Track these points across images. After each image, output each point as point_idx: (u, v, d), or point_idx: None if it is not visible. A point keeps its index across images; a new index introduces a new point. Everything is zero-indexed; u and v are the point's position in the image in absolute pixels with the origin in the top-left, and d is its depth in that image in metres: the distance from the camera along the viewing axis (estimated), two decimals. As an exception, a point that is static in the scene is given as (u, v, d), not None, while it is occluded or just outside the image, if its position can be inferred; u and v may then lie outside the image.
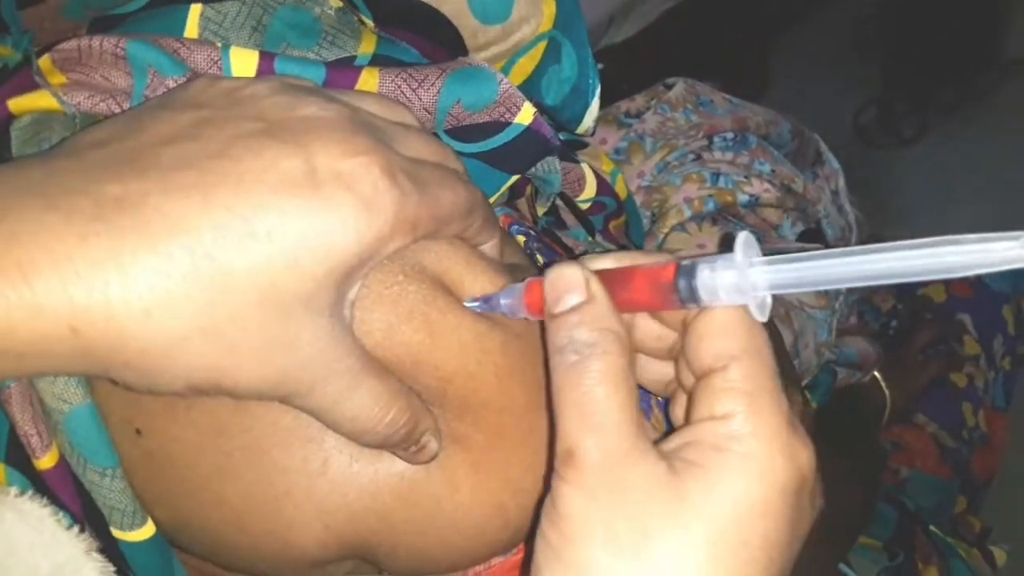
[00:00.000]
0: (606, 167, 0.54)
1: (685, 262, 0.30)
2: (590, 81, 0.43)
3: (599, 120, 0.68)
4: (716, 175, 0.60)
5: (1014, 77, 1.50)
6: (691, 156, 0.62)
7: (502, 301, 0.34)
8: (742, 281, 0.28)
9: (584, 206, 0.53)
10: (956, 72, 1.52)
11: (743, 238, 0.28)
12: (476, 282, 0.36)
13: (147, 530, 0.35)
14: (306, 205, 0.28)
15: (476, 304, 0.35)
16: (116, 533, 0.35)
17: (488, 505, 0.36)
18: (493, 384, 0.35)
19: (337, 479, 0.34)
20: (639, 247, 0.59)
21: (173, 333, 0.27)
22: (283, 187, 0.28)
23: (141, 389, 0.28)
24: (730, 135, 0.64)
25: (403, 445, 0.33)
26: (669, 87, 0.69)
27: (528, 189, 0.54)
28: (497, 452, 0.35)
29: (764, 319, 0.29)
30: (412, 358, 0.33)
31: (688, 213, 0.58)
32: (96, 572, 0.31)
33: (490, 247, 0.37)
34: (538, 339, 0.37)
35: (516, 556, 0.39)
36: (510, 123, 0.42)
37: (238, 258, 0.27)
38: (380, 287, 0.33)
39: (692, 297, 0.29)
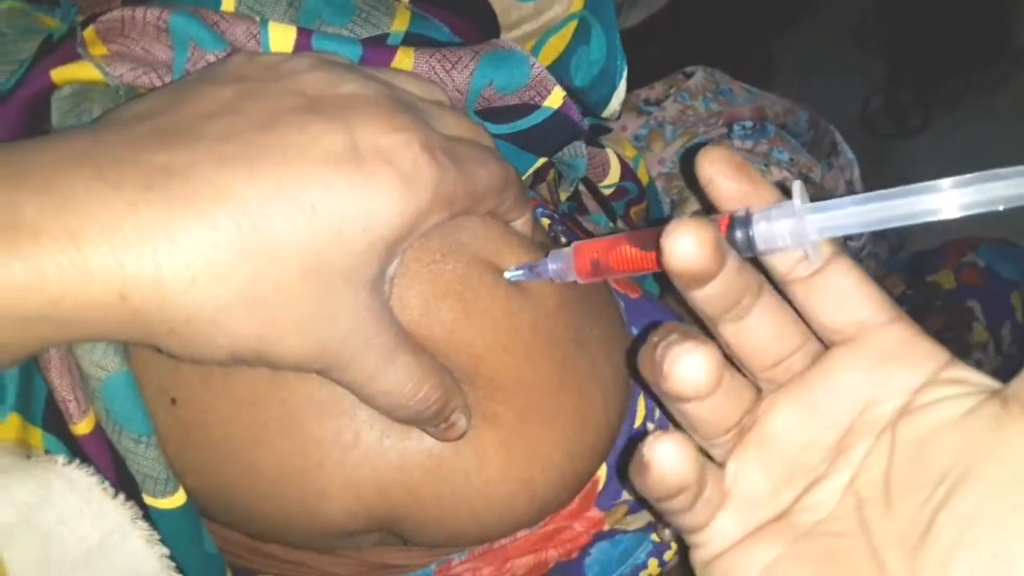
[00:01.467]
0: (629, 152, 0.55)
1: (738, 213, 0.30)
2: (618, 63, 0.43)
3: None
4: (736, 163, 0.60)
5: (1022, 67, 1.49)
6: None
7: (550, 266, 0.35)
8: (799, 227, 0.29)
9: (607, 191, 0.53)
10: (963, 62, 1.51)
11: (799, 187, 0.28)
12: (512, 256, 0.36)
13: (178, 498, 0.36)
14: (349, 180, 0.29)
15: (520, 272, 0.35)
16: (148, 500, 0.35)
17: (516, 481, 0.36)
18: (523, 362, 0.35)
19: (368, 452, 0.34)
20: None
21: (219, 302, 0.27)
22: (327, 162, 0.29)
23: (184, 357, 0.29)
24: (749, 123, 0.64)
25: (433, 422, 0.33)
26: (688, 75, 0.69)
27: (551, 174, 0.54)
28: (526, 429, 0.36)
29: (818, 265, 0.30)
30: (446, 335, 0.34)
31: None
32: (142, 540, 0.32)
33: (522, 223, 0.38)
34: (568, 319, 0.37)
35: (542, 529, 0.40)
36: (540, 106, 0.43)
37: (283, 230, 0.28)
38: (417, 265, 0.33)
39: (748, 247, 0.30)
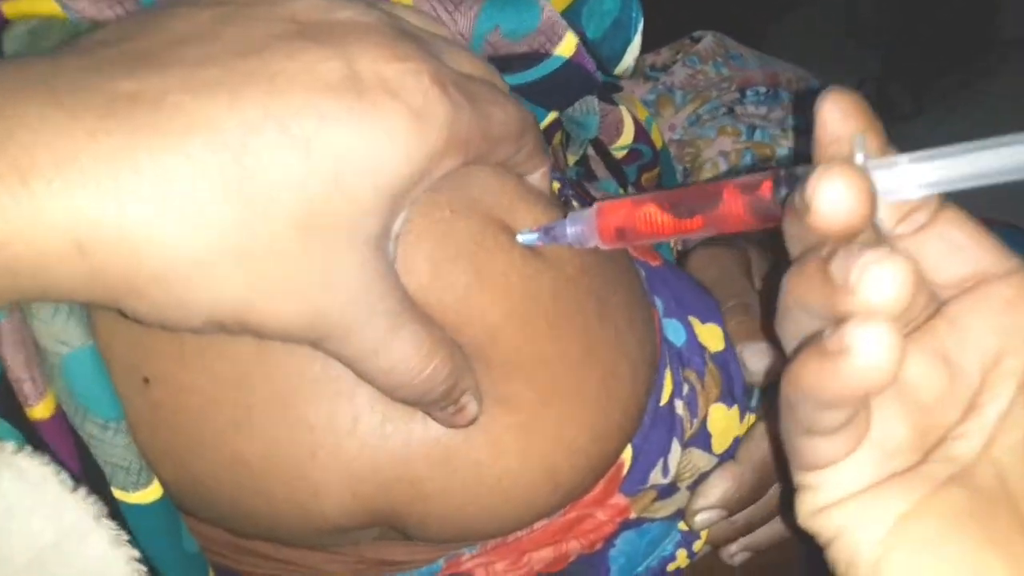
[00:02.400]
0: (641, 114, 0.51)
1: (781, 173, 0.26)
2: (632, 15, 0.39)
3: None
4: (751, 128, 0.57)
5: (1010, 58, 1.49)
6: (723, 109, 0.58)
7: (569, 229, 0.31)
8: (904, 178, 0.25)
9: (619, 154, 0.49)
10: (952, 53, 1.50)
11: (860, 139, 0.24)
12: (529, 214, 0.32)
13: (153, 491, 0.31)
14: (349, 112, 0.25)
15: (534, 236, 0.31)
16: (118, 494, 0.31)
17: (538, 469, 0.32)
18: (544, 333, 0.32)
19: (367, 440, 0.30)
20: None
21: (196, 254, 0.23)
22: (323, 90, 0.25)
23: (154, 323, 0.25)
24: (763, 89, 0.61)
25: (441, 404, 0.29)
26: (696, 40, 0.65)
27: (557, 136, 0.50)
28: (549, 409, 0.32)
29: (925, 220, 0.26)
30: (458, 303, 0.30)
31: (724, 167, 0.55)
32: (105, 540, 0.28)
33: (539, 177, 0.34)
34: (590, 285, 0.33)
35: (562, 518, 0.36)
36: (550, 54, 0.39)
37: (273, 168, 0.24)
38: (424, 221, 0.29)
39: None
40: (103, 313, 0.29)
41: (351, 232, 0.25)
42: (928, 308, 0.27)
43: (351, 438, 0.30)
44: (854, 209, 0.22)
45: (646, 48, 0.67)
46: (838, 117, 0.25)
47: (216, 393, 0.30)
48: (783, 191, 0.26)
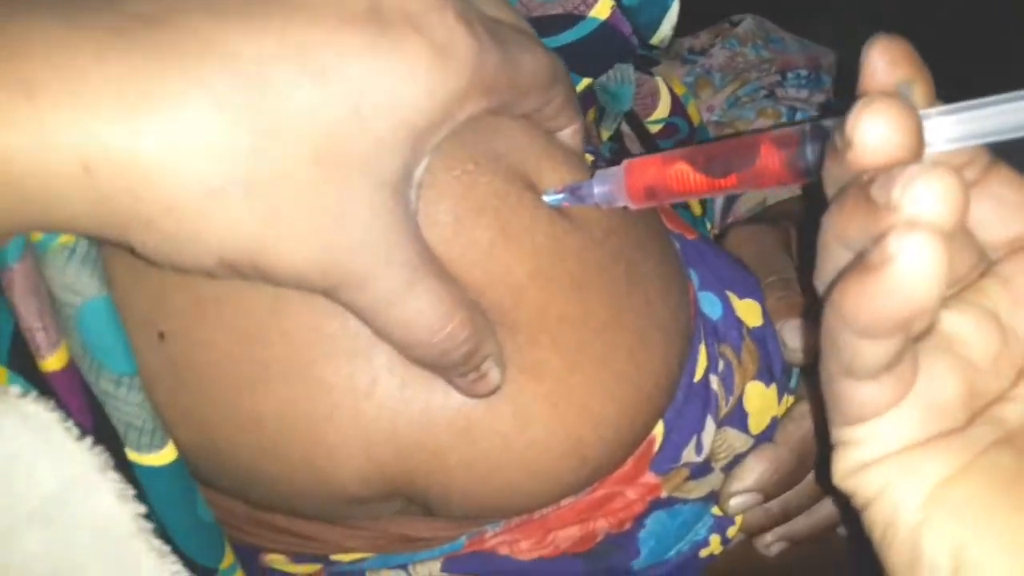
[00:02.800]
0: (679, 90, 0.49)
1: (820, 123, 0.25)
2: None
3: (662, 57, 0.63)
4: (792, 111, 0.55)
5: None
6: (763, 92, 0.57)
7: (596, 189, 0.30)
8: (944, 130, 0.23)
9: (654, 128, 0.48)
10: (959, 52, 1.48)
11: (905, 87, 0.23)
12: (556, 173, 0.31)
13: (168, 453, 0.30)
14: (370, 44, 0.24)
15: (560, 196, 0.30)
16: (132, 455, 0.30)
17: (565, 442, 0.31)
18: (571, 295, 0.30)
19: (386, 404, 0.29)
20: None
21: (209, 183, 0.22)
22: (343, 20, 0.24)
23: (165, 261, 0.24)
24: (804, 72, 0.59)
25: (461, 369, 0.28)
26: (735, 23, 0.63)
27: (591, 113, 0.49)
28: (576, 377, 0.30)
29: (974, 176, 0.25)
30: (482, 260, 0.29)
31: (764, 148, 0.53)
32: (111, 493, 0.27)
33: (570, 134, 0.32)
34: (619, 249, 0.32)
35: (590, 496, 0.35)
36: (585, 16, 0.38)
37: (289, 97, 0.23)
38: (446, 175, 0.28)
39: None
40: (119, 264, 0.29)
41: (369, 170, 0.24)
42: (978, 267, 0.25)
43: (369, 400, 0.29)
44: (899, 142, 0.20)
45: (684, 33, 0.66)
46: (885, 65, 0.23)
47: (232, 349, 0.29)
48: (809, 145, 0.25)
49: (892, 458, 0.23)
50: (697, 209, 0.51)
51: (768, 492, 0.38)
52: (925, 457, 0.23)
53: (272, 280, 0.25)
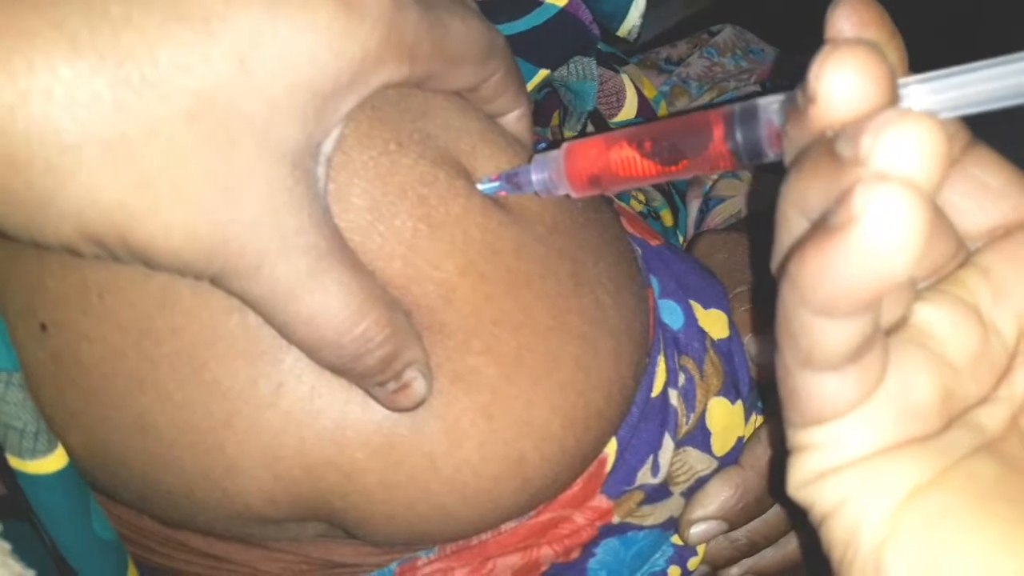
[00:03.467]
0: (649, 92, 0.47)
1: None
2: None
3: (639, 64, 0.61)
4: (771, 121, 0.53)
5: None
6: (741, 102, 0.54)
7: (533, 176, 0.27)
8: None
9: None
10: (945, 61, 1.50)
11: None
12: (493, 160, 0.28)
13: (56, 459, 0.27)
14: None
15: (495, 184, 0.27)
16: (14, 463, 0.27)
17: (503, 460, 0.27)
18: (508, 294, 0.27)
19: (292, 415, 0.26)
20: (682, 190, 0.51)
21: (59, 139, 0.19)
22: None
23: (18, 231, 0.21)
24: (784, 83, 0.57)
25: (377, 377, 0.25)
26: (715, 33, 0.61)
27: (555, 116, 0.46)
28: (515, 388, 0.27)
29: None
30: (404, 250, 0.25)
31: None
32: None
33: (514, 119, 0.29)
34: (564, 247, 0.29)
35: (534, 519, 0.31)
36: (542, 2, 0.35)
37: (161, 46, 0.20)
38: (364, 154, 0.25)
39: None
40: None
41: (262, 136, 0.21)
42: (957, 257, 0.22)
43: (272, 410, 0.25)
44: (869, 93, 0.17)
45: (664, 43, 0.64)
46: (853, 25, 0.20)
47: (119, 343, 0.25)
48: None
49: (855, 466, 0.20)
50: (668, 219, 0.48)
51: (733, 520, 0.34)
52: (893, 465, 0.20)
53: (148, 261, 0.21)
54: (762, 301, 0.36)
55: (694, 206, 0.51)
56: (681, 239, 0.50)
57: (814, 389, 0.19)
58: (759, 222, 0.43)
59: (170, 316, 0.25)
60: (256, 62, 0.20)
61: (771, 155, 0.23)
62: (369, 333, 0.24)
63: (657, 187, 0.49)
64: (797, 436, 0.21)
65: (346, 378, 0.25)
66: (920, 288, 0.22)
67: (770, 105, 0.23)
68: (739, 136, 0.23)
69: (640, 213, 0.48)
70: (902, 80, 0.20)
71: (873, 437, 0.20)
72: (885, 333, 0.20)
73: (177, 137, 0.20)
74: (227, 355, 0.25)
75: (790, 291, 0.18)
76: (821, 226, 0.17)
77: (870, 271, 0.16)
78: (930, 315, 0.21)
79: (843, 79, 0.17)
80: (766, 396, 0.36)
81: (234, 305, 0.24)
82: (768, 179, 0.47)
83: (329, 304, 0.23)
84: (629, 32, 0.39)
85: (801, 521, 0.22)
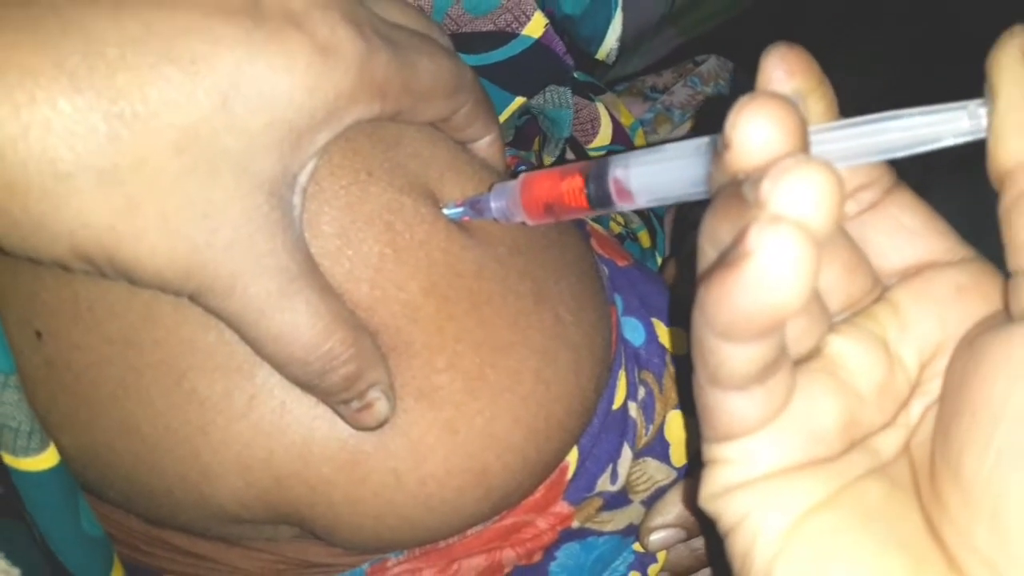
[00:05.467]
0: (625, 119, 0.49)
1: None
2: None
3: (622, 93, 0.63)
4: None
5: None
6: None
7: (492, 204, 0.29)
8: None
9: (596, 156, 0.47)
10: None
11: (797, 98, 0.21)
12: (459, 186, 0.30)
13: (47, 458, 0.29)
14: (246, 36, 0.23)
15: (459, 210, 0.29)
16: (8, 460, 0.29)
17: (467, 472, 0.29)
18: (470, 313, 0.29)
19: (262, 427, 0.27)
20: (659, 215, 0.53)
21: (57, 167, 0.21)
22: (218, 10, 0.23)
23: (12, 248, 0.23)
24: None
25: (342, 395, 0.26)
26: (699, 63, 0.63)
27: (536, 141, 0.48)
28: (478, 402, 0.29)
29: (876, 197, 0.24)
30: (371, 274, 0.27)
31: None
32: None
33: (485, 145, 0.31)
34: (524, 268, 0.31)
35: (498, 524, 0.33)
36: (517, 34, 0.37)
37: (152, 84, 0.22)
38: (335, 183, 0.27)
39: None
40: None
41: (240, 167, 0.23)
42: (872, 293, 0.24)
43: (244, 421, 0.27)
44: (778, 142, 0.18)
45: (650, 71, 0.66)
46: (782, 74, 0.22)
47: (106, 352, 0.27)
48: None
49: (759, 483, 0.21)
50: (646, 241, 0.50)
51: (691, 528, 0.36)
52: (792, 485, 0.21)
53: (133, 279, 0.23)
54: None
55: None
56: (659, 260, 0.52)
57: (723, 406, 0.21)
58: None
59: (153, 329, 0.27)
60: (237, 101, 0.23)
61: (618, 205, 0.26)
62: (334, 351, 0.26)
63: (635, 210, 0.51)
64: (710, 450, 0.22)
65: (313, 394, 0.27)
66: (837, 320, 0.23)
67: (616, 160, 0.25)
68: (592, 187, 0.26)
69: (618, 235, 0.50)
70: (825, 125, 0.22)
71: (778, 456, 0.21)
72: (800, 361, 0.22)
73: (163, 167, 0.22)
74: (204, 367, 0.27)
75: (698, 314, 0.19)
76: (723, 259, 0.18)
77: (762, 302, 0.17)
78: (841, 347, 0.22)
79: (754, 128, 0.18)
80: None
81: (212, 321, 0.26)
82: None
83: (297, 323, 0.25)
84: (607, 55, 0.41)
85: (712, 530, 0.23)
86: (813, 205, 0.17)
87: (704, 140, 0.23)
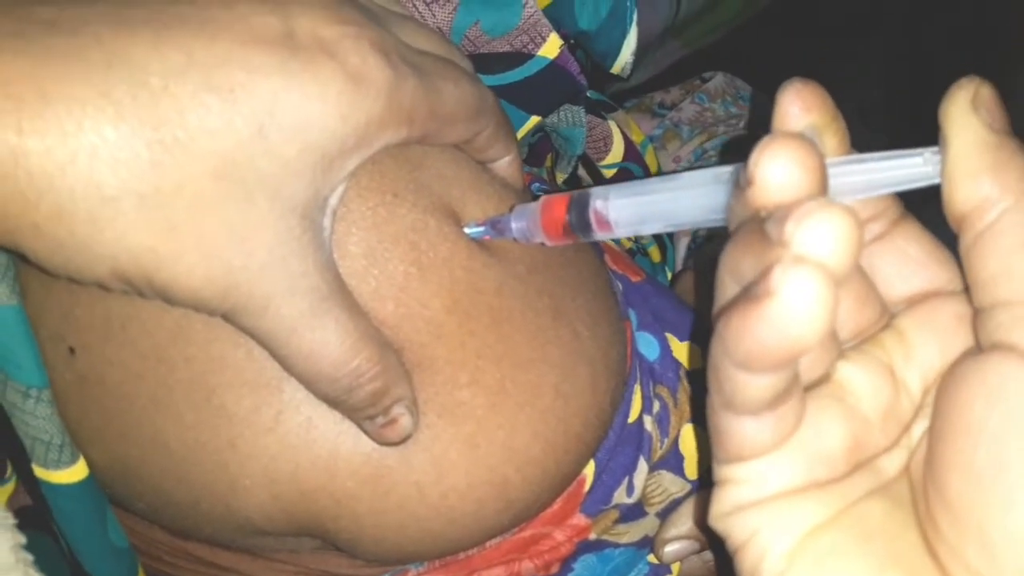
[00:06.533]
0: (636, 136, 0.49)
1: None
2: (628, 3, 0.38)
3: (631, 109, 0.64)
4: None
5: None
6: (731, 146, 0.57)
7: (513, 224, 0.29)
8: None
9: (608, 172, 0.48)
10: None
11: (812, 133, 0.22)
12: (480, 205, 0.31)
13: (78, 470, 0.30)
14: (280, 66, 0.24)
15: (480, 229, 0.30)
16: (39, 472, 0.29)
17: (488, 485, 0.30)
18: (491, 329, 0.30)
19: (289, 441, 0.28)
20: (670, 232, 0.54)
21: (103, 192, 0.22)
22: (254, 40, 0.24)
23: (58, 269, 0.23)
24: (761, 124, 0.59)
25: (368, 411, 0.27)
26: (707, 80, 0.64)
27: (548, 158, 0.49)
28: (499, 416, 0.29)
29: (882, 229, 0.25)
30: (396, 292, 0.28)
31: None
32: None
33: (505, 165, 0.32)
34: (543, 285, 0.31)
35: (517, 535, 0.33)
36: (533, 55, 0.38)
37: (192, 112, 0.22)
38: (363, 204, 0.28)
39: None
40: (32, 278, 0.28)
41: (274, 192, 0.24)
42: (880, 321, 0.25)
43: (271, 435, 0.28)
44: (800, 181, 0.19)
45: (657, 87, 0.67)
46: (798, 110, 0.23)
47: (138, 368, 0.28)
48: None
49: (767, 503, 0.22)
50: (656, 255, 0.51)
51: (704, 541, 0.36)
52: (798, 505, 0.22)
53: (169, 299, 0.24)
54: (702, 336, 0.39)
55: (683, 243, 0.54)
56: (669, 274, 0.52)
57: (735, 429, 0.22)
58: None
59: (184, 346, 0.28)
60: (272, 128, 0.23)
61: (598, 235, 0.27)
62: (362, 369, 0.26)
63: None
64: (721, 470, 0.23)
65: (339, 410, 0.28)
66: (846, 347, 0.24)
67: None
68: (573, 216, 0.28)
69: (629, 250, 0.50)
70: (840, 159, 0.22)
71: (785, 478, 0.22)
72: (810, 387, 0.23)
73: (202, 192, 0.23)
74: (233, 383, 0.28)
75: (718, 344, 0.20)
76: (746, 294, 0.19)
77: (782, 338, 0.18)
78: (850, 373, 0.23)
79: (777, 167, 0.19)
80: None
81: (242, 339, 0.26)
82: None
83: (327, 341, 0.26)
84: (622, 69, 0.42)
85: (720, 547, 0.24)
86: (833, 246, 0.18)
87: (704, 172, 0.24)
